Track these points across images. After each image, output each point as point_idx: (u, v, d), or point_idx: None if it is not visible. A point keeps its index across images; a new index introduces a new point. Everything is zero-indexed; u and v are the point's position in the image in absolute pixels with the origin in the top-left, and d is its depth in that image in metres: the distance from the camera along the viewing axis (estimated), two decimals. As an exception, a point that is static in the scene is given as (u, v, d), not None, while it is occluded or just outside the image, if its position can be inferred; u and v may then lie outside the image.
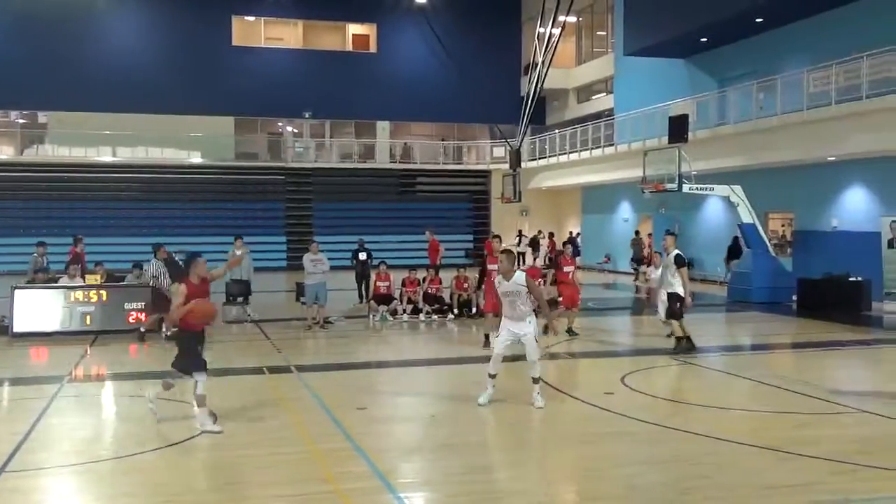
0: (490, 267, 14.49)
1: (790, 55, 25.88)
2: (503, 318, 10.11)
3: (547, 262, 34.44)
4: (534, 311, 10.12)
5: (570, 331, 16.00)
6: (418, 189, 42.12)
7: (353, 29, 43.53)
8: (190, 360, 8.90)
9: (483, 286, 15.67)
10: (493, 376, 10.01)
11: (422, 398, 10.91)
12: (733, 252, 26.85)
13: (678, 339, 14.09)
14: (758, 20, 26.33)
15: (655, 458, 8.10)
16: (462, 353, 14.46)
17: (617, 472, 7.67)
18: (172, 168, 38.71)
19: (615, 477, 7.53)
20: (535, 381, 9.96)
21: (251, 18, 41.99)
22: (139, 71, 38.02)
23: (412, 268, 20.51)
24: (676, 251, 14.04)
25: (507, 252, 10.32)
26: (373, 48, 43.05)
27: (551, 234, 36.87)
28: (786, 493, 6.88)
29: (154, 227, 35.08)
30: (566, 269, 16.47)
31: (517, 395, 10.15)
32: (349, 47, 43.48)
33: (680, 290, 13.89)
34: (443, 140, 43.59)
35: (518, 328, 9.87)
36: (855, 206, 23.93)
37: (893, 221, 20.18)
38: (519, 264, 34.32)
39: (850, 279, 20.65)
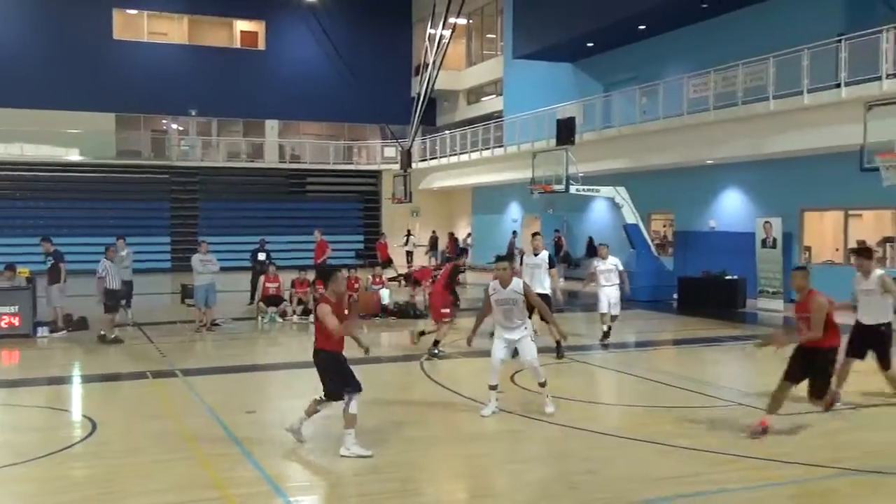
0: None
1: (672, 62, 26.83)
2: (496, 326, 9.60)
3: (442, 261, 34.60)
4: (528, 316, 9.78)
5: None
6: (308, 189, 41.65)
7: (241, 25, 42.74)
8: (345, 380, 8.13)
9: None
10: (494, 387, 9.63)
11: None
12: (591, 252, 28.26)
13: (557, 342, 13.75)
14: (641, 27, 27.21)
15: (543, 454, 8.23)
16: (351, 354, 14.31)
17: (505, 469, 7.75)
18: (49, 166, 36.99)
19: (504, 474, 7.61)
20: (542, 384, 9.57)
21: (133, 12, 40.70)
22: (13, 63, 36.33)
23: (302, 268, 20.24)
24: (546, 251, 14.23)
25: (506, 259, 9.86)
26: (261, 45, 42.39)
27: (451, 235, 36.88)
28: (669, 484, 7.10)
29: (30, 227, 33.43)
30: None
31: (406, 393, 10.14)
32: (237, 44, 42.69)
33: (549, 291, 13.75)
34: (333, 140, 43.23)
35: (513, 335, 9.51)
36: (731, 208, 25.00)
37: (767, 222, 21.15)
38: (410, 262, 34.49)
39: (727, 277, 21.53)
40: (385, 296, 19.69)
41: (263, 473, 7.41)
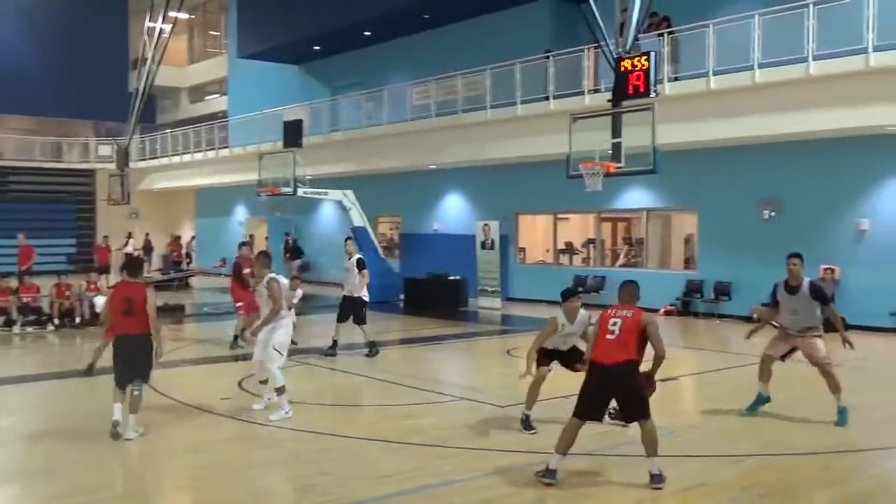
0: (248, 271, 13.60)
1: (396, 69, 27.55)
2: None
3: (167, 266, 33.03)
4: None
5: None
6: (11, 189, 38.07)
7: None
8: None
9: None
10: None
11: (17, 418, 9.86)
12: (294, 254, 29.79)
13: (370, 343, 14.20)
14: (366, 33, 27.66)
15: (273, 459, 8.11)
16: (64, 367, 13.29)
17: (236, 478, 7.54)
18: None
19: (235, 482, 7.39)
20: (264, 382, 9.98)
21: None
22: None
23: (3, 275, 18.48)
24: (358, 255, 14.29)
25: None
26: (-48, 28, 38.13)
27: (177, 238, 35.15)
28: (398, 480, 7.25)
29: None
30: (248, 271, 15.82)
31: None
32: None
33: (360, 294, 14.02)
34: (39, 135, 39.76)
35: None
36: (453, 211, 26.14)
37: (485, 225, 22.35)
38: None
39: (450, 278, 22.47)
40: (99, 303, 18.44)
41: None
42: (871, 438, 8.84)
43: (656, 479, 6.96)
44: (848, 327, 16.04)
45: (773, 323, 9.79)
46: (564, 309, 8.87)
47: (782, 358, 9.61)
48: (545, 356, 9.09)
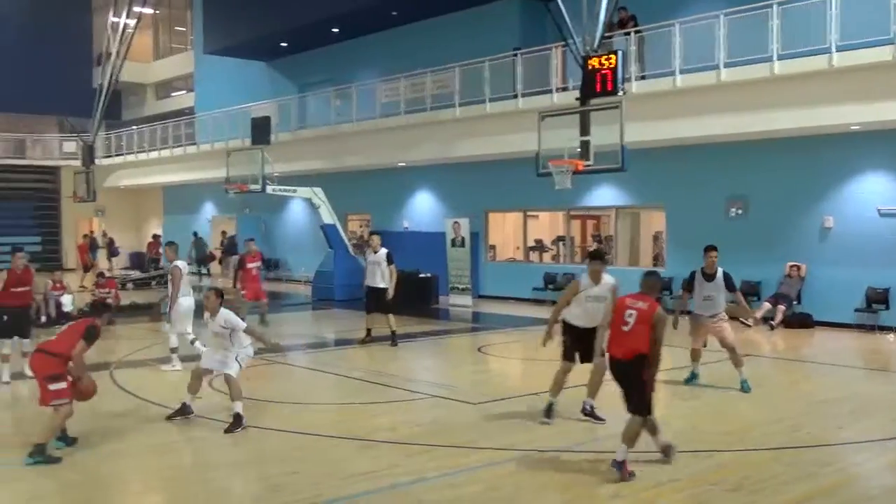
0: (250, 266, 17.39)
1: (365, 66, 27.45)
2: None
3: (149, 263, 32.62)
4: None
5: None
6: (-28, 186, 37.44)
7: None
8: None
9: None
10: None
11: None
12: (230, 249, 29.72)
13: (392, 331, 14.94)
14: (334, 30, 27.53)
15: (241, 459, 8.06)
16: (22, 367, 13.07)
17: (203, 477, 7.49)
18: None
19: (200, 482, 7.34)
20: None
21: None
22: None
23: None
24: (385, 249, 15.04)
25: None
26: None
27: (157, 236, 34.54)
28: (368, 478, 7.24)
29: None
30: (250, 265, 17.60)
31: (94, 403, 9.40)
32: None
33: (387, 285, 14.91)
34: (1, 132, 39.11)
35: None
36: (423, 209, 26.11)
37: (456, 222, 22.35)
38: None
39: (420, 275, 22.42)
40: (67, 302, 18.23)
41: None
42: (836, 434, 8.98)
43: (616, 466, 7.13)
44: (814, 324, 16.39)
45: (684, 311, 11.10)
46: (588, 271, 9.08)
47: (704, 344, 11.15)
48: (569, 336, 9.11)
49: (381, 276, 14.98)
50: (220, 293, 9.35)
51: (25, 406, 10.31)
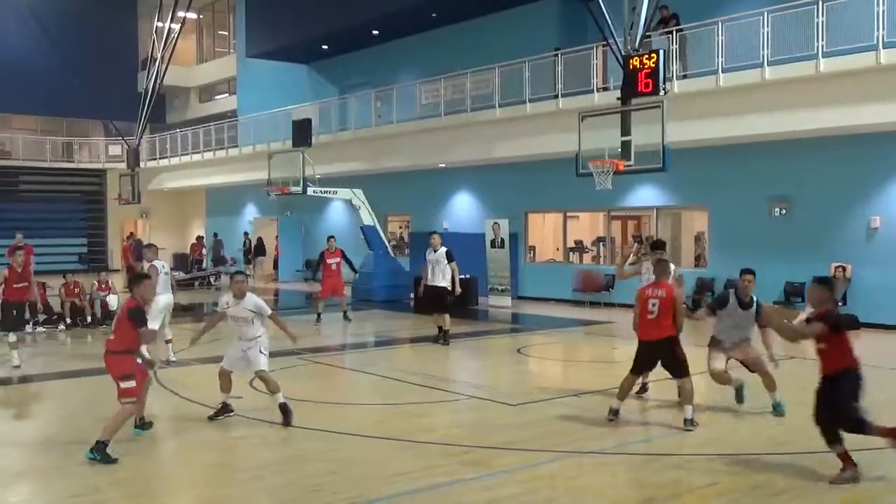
0: (329, 261, 18.76)
1: (405, 67, 27.56)
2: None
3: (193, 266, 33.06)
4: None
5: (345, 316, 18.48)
6: (22, 189, 38.26)
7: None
8: None
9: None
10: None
11: (29, 418, 9.91)
12: (258, 250, 31.24)
13: (443, 330, 15.22)
14: (375, 32, 27.67)
15: (281, 458, 8.12)
16: (89, 364, 13.33)
17: (242, 477, 7.56)
18: None
19: (241, 482, 7.41)
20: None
21: None
22: None
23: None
24: (445, 248, 15.25)
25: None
26: (-39, 29, 38.26)
27: (200, 238, 35.05)
28: (407, 479, 7.26)
29: None
30: (329, 261, 18.75)
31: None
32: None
33: (447, 284, 15.15)
34: (50, 136, 39.95)
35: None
36: (463, 210, 26.12)
37: (495, 223, 22.31)
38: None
39: (460, 276, 22.37)
40: (113, 302, 18.55)
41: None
42: (879, 438, 8.79)
43: (687, 423, 8.71)
44: (860, 325, 15.99)
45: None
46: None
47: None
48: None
49: (442, 274, 15.20)
50: (246, 277, 9.68)
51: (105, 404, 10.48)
